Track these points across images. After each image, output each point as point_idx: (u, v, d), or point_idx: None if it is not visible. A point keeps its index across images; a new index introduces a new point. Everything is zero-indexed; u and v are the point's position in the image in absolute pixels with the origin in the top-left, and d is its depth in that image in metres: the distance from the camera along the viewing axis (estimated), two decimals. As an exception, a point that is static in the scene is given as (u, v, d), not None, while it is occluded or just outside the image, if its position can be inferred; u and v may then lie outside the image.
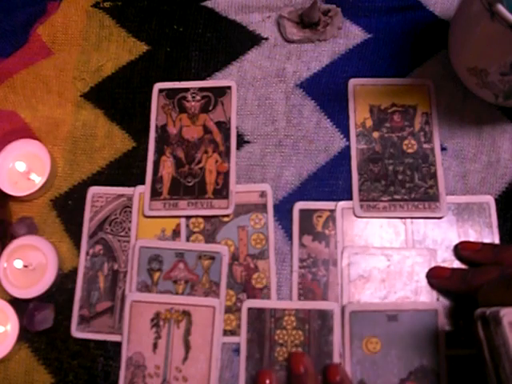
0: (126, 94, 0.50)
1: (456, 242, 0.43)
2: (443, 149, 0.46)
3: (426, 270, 0.43)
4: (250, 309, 0.43)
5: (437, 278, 0.42)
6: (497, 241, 0.43)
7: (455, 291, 0.41)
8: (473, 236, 0.43)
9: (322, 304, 0.42)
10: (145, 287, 0.44)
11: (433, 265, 0.43)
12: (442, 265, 0.43)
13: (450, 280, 0.41)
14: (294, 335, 0.42)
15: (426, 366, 0.40)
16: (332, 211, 0.45)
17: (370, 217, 0.44)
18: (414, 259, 0.43)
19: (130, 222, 0.46)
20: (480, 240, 0.43)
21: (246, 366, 0.42)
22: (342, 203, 0.45)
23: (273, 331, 0.42)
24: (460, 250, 0.42)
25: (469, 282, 0.39)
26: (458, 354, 0.41)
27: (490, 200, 0.44)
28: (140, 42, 0.51)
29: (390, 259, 0.43)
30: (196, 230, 0.45)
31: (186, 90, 0.49)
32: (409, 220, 0.44)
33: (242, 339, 0.42)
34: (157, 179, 0.46)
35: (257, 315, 0.43)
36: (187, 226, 0.45)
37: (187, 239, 0.45)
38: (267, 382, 0.40)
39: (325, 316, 0.42)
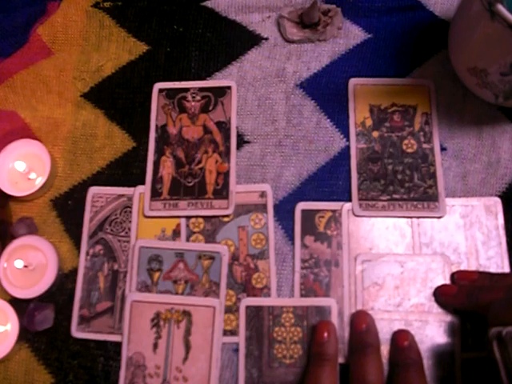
0: (126, 94, 0.50)
1: (463, 244, 0.43)
2: (443, 149, 0.46)
3: (440, 276, 0.42)
4: (247, 307, 0.43)
5: (444, 295, 0.41)
6: (504, 243, 0.43)
7: (461, 308, 0.41)
8: (480, 238, 0.43)
9: (320, 300, 0.42)
10: (145, 287, 0.44)
11: (447, 271, 0.42)
12: (452, 268, 0.43)
13: (456, 298, 0.40)
14: (292, 332, 0.42)
15: (441, 375, 0.40)
16: (334, 211, 0.45)
17: (368, 216, 0.44)
18: (427, 265, 0.43)
19: (130, 222, 0.46)
20: (488, 242, 0.43)
21: (246, 364, 0.42)
22: (347, 205, 0.44)
23: (271, 329, 0.42)
24: (457, 280, 0.42)
25: (475, 300, 0.39)
26: (466, 358, 0.41)
27: (497, 202, 0.44)
28: (140, 42, 0.51)
29: (404, 266, 0.43)
30: (196, 230, 0.45)
31: (186, 90, 0.49)
32: (415, 222, 0.44)
33: (240, 337, 0.42)
34: (157, 179, 0.46)
35: (255, 313, 0.43)
36: (187, 226, 0.45)
37: (187, 239, 0.45)
38: (325, 334, 0.40)
39: (322, 312, 0.42)
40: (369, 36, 0.50)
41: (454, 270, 0.43)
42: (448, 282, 0.42)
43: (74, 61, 0.51)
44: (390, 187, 0.45)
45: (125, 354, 0.42)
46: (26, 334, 0.44)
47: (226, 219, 0.45)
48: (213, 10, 0.51)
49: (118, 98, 0.50)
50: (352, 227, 0.44)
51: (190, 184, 0.46)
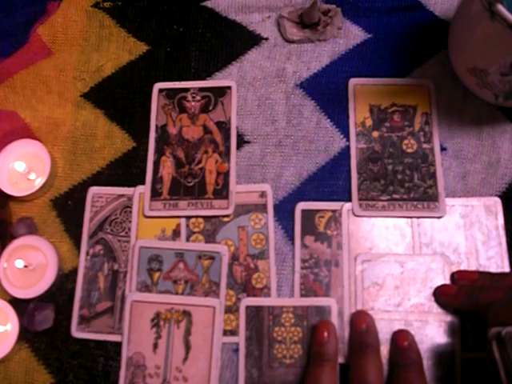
0: (126, 94, 0.50)
1: (463, 244, 0.43)
2: (443, 149, 0.46)
3: (440, 276, 0.42)
4: (248, 307, 0.43)
5: (444, 295, 0.41)
6: (504, 243, 0.43)
7: (461, 308, 0.41)
8: (480, 238, 0.43)
9: (320, 300, 0.43)
10: (145, 287, 0.44)
11: (447, 271, 0.42)
12: (452, 268, 0.43)
13: (456, 298, 0.40)
14: (292, 332, 0.42)
15: (441, 375, 0.40)
16: (334, 211, 0.45)
17: (369, 216, 0.44)
18: (427, 265, 0.43)
19: (130, 222, 0.46)
20: (487, 242, 0.43)
21: (246, 364, 0.42)
22: (347, 205, 0.44)
23: (271, 328, 0.42)
24: (457, 280, 0.42)
25: (475, 300, 0.39)
26: (466, 358, 0.41)
27: (497, 202, 0.44)
28: (140, 42, 0.51)
29: (404, 266, 0.43)
30: (196, 230, 0.45)
31: (186, 90, 0.49)
32: (415, 222, 0.44)
33: (240, 337, 0.42)
34: (157, 179, 0.46)
35: (255, 313, 0.43)
36: (187, 226, 0.45)
37: (187, 239, 0.45)
38: (325, 334, 0.40)
39: (322, 312, 0.42)
40: (369, 36, 0.50)
41: (454, 270, 0.43)
42: (448, 282, 0.42)
43: (74, 61, 0.51)
44: (390, 187, 0.45)
45: (125, 354, 0.42)
46: (26, 334, 0.44)
47: (226, 219, 0.45)
48: (213, 9, 0.51)
49: (118, 97, 0.50)
50: (352, 227, 0.44)
51: (190, 184, 0.46)
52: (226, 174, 0.46)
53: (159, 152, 0.47)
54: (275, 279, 0.44)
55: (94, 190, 0.47)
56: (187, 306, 0.43)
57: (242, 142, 0.47)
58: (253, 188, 0.46)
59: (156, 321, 0.43)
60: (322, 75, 0.49)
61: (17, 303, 0.44)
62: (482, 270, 0.43)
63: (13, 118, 0.50)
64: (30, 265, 0.44)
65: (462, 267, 0.43)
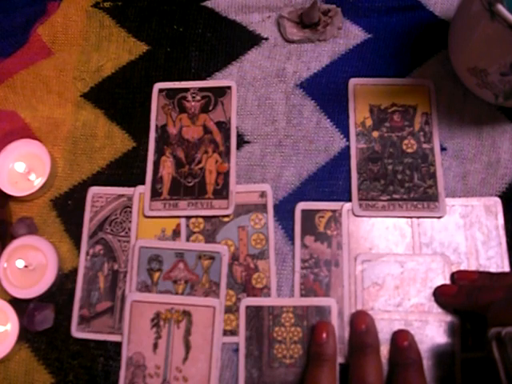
0: (126, 94, 0.50)
1: (463, 244, 0.43)
2: (443, 149, 0.46)
3: (440, 276, 0.42)
4: (248, 307, 0.43)
5: (443, 295, 0.41)
6: (504, 243, 0.43)
7: (461, 308, 0.41)
8: (480, 238, 0.43)
9: (320, 300, 0.43)
10: (145, 287, 0.44)
11: (447, 271, 0.42)
12: (452, 268, 0.43)
13: (456, 298, 0.40)
14: (292, 332, 0.42)
15: (441, 375, 0.40)
16: (334, 211, 0.45)
17: (368, 216, 0.44)
18: (427, 265, 0.43)
19: (130, 222, 0.46)
20: (487, 242, 0.43)
21: (246, 364, 0.42)
22: (347, 205, 0.44)
23: (271, 328, 0.42)
24: (457, 280, 0.42)
25: (475, 300, 0.39)
26: (466, 358, 0.41)
27: (497, 202, 0.44)
28: (140, 42, 0.51)
29: (404, 266, 0.43)
30: (196, 230, 0.45)
31: (186, 90, 0.49)
32: (415, 222, 0.44)
33: (240, 337, 0.42)
34: (157, 179, 0.46)
35: (255, 313, 0.43)
36: (187, 226, 0.45)
37: (187, 239, 0.45)
38: (323, 335, 0.40)
39: (322, 312, 0.42)
40: (369, 36, 0.50)
41: (454, 270, 0.43)
42: (448, 282, 0.42)
43: (74, 61, 0.51)
44: (390, 187, 0.45)
45: (125, 354, 0.42)
46: (26, 334, 0.44)
47: (226, 219, 0.45)
48: (213, 9, 0.51)
49: (118, 97, 0.50)
50: (352, 227, 0.44)
51: (190, 184, 0.46)
52: (226, 174, 0.46)
53: (159, 152, 0.47)
54: (275, 279, 0.44)
55: (93, 190, 0.47)
56: (187, 305, 0.43)
57: (242, 142, 0.47)
58: (253, 188, 0.46)
59: (156, 321, 0.43)
60: (322, 75, 0.49)
61: (17, 303, 0.44)
62: (482, 270, 0.43)
63: (13, 118, 0.50)
64: (30, 265, 0.44)
65: (462, 267, 0.43)
